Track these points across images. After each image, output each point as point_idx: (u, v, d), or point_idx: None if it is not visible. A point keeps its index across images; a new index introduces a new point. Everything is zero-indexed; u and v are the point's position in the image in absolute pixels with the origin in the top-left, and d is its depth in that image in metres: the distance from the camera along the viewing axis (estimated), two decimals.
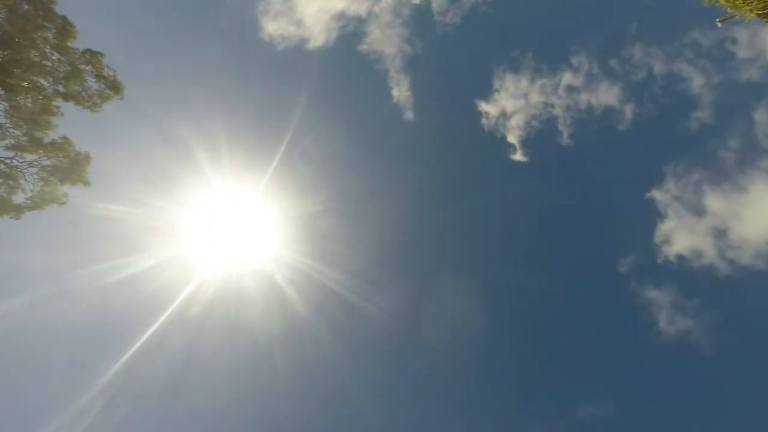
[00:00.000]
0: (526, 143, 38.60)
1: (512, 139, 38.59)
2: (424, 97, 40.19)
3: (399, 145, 42.31)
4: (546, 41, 39.61)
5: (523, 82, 38.46)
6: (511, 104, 38.45)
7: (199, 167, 34.35)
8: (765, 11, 15.38)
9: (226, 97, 37.13)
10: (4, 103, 17.83)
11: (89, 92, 19.30)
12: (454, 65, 41.57)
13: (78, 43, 19.35)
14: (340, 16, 38.67)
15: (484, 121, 39.21)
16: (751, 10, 15.47)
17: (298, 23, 38.33)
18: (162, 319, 31.45)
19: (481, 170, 41.67)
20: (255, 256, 38.42)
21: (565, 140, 38.34)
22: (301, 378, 36.38)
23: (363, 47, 39.68)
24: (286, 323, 36.61)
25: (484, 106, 38.92)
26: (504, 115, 38.58)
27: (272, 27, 38.39)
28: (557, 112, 38.18)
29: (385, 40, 39.12)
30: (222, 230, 36.99)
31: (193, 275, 34.76)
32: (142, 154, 33.06)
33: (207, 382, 36.04)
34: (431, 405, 37.31)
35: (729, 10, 16.37)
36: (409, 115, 40.21)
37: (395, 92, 39.90)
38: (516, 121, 38.40)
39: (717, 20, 16.88)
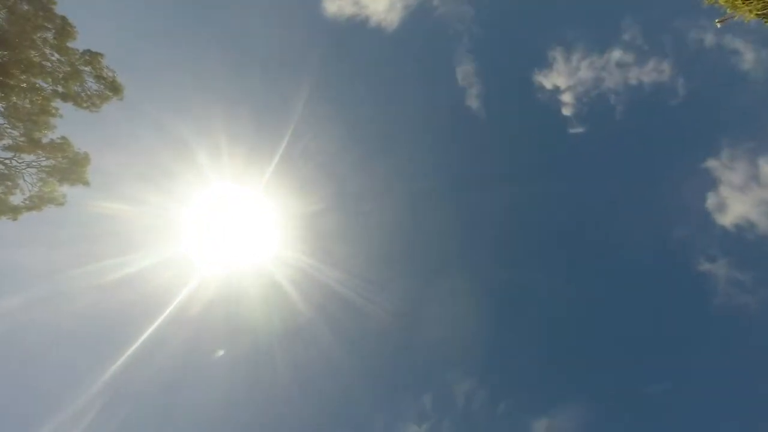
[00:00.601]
0: (580, 117, 39.01)
1: (567, 112, 39.06)
2: (480, 75, 40.24)
3: (440, 125, 42.57)
4: (600, 16, 39.94)
5: (577, 57, 38.79)
6: (565, 79, 38.89)
7: (199, 165, 34.37)
8: (765, 11, 15.30)
9: (225, 94, 37.14)
10: (2, 103, 17.83)
11: (88, 93, 19.29)
12: (511, 39, 41.78)
13: (78, 44, 19.37)
14: None
15: (539, 95, 39.61)
16: (750, 11, 15.39)
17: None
18: (162, 318, 31.56)
19: (535, 144, 42.07)
20: (255, 255, 38.49)
21: (618, 114, 38.68)
22: (301, 377, 36.49)
23: (419, 24, 39.71)
24: (286, 322, 36.70)
25: (539, 80, 39.34)
26: (558, 89, 38.99)
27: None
28: (611, 85, 38.60)
29: (440, 17, 38.96)
30: (222, 229, 37.03)
31: (193, 274, 34.87)
32: (141, 152, 33.11)
33: (207, 381, 36.20)
34: (431, 404, 37.35)
35: (728, 11, 16.28)
36: (468, 96, 40.31)
37: (457, 72, 40.21)
38: (569, 96, 38.87)
39: (716, 21, 16.79)
